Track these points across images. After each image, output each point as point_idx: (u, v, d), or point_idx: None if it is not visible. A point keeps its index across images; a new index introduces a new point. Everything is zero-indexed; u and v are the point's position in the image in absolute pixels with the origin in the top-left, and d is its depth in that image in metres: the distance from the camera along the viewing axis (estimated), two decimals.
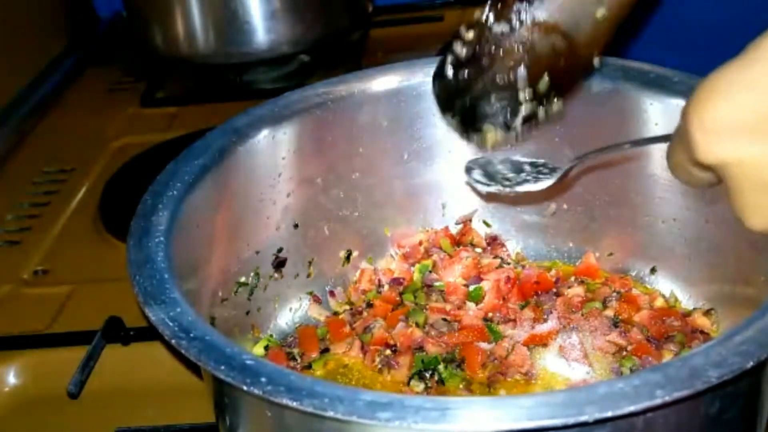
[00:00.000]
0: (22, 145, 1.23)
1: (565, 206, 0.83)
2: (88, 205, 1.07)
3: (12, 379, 0.81)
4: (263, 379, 0.48)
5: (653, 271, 0.79)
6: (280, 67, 1.36)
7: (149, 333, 0.71)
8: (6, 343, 0.84)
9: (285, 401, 0.47)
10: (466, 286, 0.79)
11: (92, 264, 0.96)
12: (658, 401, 0.45)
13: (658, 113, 0.75)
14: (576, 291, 0.77)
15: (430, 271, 0.81)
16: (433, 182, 0.84)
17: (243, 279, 0.74)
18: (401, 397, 0.47)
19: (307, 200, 0.79)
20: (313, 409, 0.46)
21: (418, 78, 0.80)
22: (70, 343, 0.82)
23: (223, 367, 0.50)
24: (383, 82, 0.80)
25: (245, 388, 0.48)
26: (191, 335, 0.53)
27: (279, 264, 0.77)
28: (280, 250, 0.78)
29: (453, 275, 0.80)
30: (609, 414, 0.45)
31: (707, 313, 0.73)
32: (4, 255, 1.00)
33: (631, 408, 0.45)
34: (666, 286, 0.78)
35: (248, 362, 0.50)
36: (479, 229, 0.85)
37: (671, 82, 0.75)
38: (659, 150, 0.75)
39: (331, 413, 0.46)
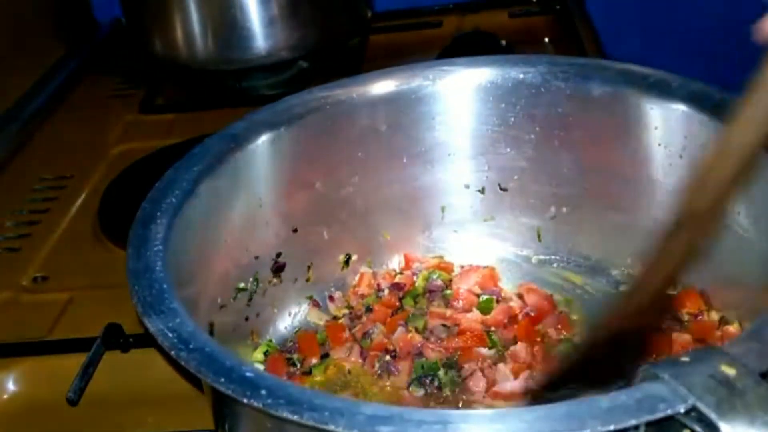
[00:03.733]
0: (21, 152, 1.23)
1: (564, 209, 0.83)
2: (87, 212, 1.07)
3: (11, 386, 0.81)
4: (263, 392, 0.48)
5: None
6: (279, 73, 1.36)
7: (149, 340, 0.70)
8: (5, 349, 0.84)
9: (285, 414, 0.46)
10: (478, 296, 0.79)
11: (91, 270, 0.96)
12: (660, 414, 0.44)
13: (658, 117, 0.75)
14: None
15: (436, 278, 0.81)
16: (432, 186, 0.84)
17: (242, 284, 0.74)
18: (402, 410, 0.46)
19: (306, 205, 0.79)
20: (314, 423, 0.46)
21: (416, 82, 0.80)
22: (69, 350, 0.82)
23: (222, 380, 0.49)
24: (381, 86, 0.80)
25: (245, 400, 0.48)
26: (190, 346, 0.52)
27: (278, 269, 0.77)
28: (279, 254, 0.77)
29: (468, 283, 0.80)
30: (611, 427, 0.44)
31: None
32: (4, 262, 1.00)
33: (633, 421, 0.44)
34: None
35: (248, 374, 0.49)
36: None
37: (671, 87, 0.75)
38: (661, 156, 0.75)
39: (331, 427, 0.45)
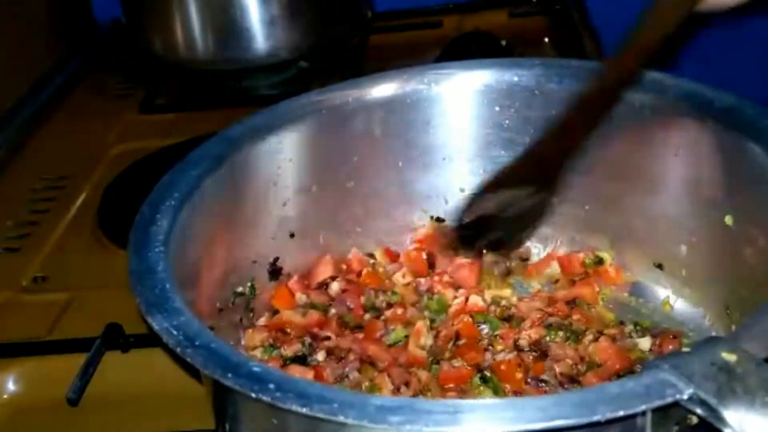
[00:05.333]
0: (21, 152, 1.24)
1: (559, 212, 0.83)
2: (87, 212, 1.07)
3: (11, 386, 0.82)
4: (271, 386, 0.48)
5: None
6: (279, 73, 1.36)
7: (149, 340, 0.71)
8: (5, 350, 0.84)
9: (294, 407, 0.47)
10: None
11: (91, 271, 0.96)
12: (669, 400, 0.45)
13: (652, 117, 0.75)
14: None
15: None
16: (428, 189, 0.84)
17: (240, 289, 0.74)
18: (411, 401, 0.47)
19: (303, 209, 0.79)
20: (324, 415, 0.46)
21: (411, 86, 0.81)
22: (69, 350, 0.82)
23: (230, 375, 0.50)
24: (377, 90, 0.80)
25: (254, 395, 0.48)
26: (196, 344, 0.53)
27: (275, 273, 0.78)
28: (276, 259, 0.78)
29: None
30: (621, 413, 0.45)
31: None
32: (4, 262, 1.00)
33: (643, 407, 0.45)
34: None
35: (255, 369, 0.50)
36: None
37: (665, 86, 0.75)
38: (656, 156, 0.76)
39: (341, 418, 0.46)
